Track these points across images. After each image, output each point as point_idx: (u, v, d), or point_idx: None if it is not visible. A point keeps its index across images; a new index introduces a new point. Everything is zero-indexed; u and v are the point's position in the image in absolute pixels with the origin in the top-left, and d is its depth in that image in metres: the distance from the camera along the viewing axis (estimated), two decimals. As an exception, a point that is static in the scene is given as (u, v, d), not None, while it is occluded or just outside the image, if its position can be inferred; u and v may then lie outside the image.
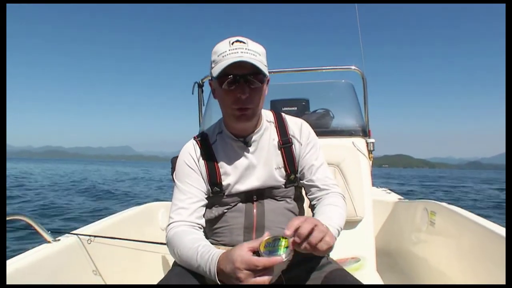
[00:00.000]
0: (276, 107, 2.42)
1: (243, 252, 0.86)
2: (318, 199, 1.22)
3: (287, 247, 0.85)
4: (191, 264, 0.99)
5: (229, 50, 1.05)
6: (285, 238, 0.87)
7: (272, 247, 0.85)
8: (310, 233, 0.87)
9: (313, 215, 1.19)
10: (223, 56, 1.05)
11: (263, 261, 0.83)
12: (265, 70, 1.07)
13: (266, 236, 0.89)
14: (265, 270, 0.84)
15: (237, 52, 1.04)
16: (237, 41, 1.07)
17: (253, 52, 1.05)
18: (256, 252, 0.87)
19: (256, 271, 0.84)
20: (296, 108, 2.46)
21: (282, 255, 0.84)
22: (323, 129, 2.29)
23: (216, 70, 1.05)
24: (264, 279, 0.84)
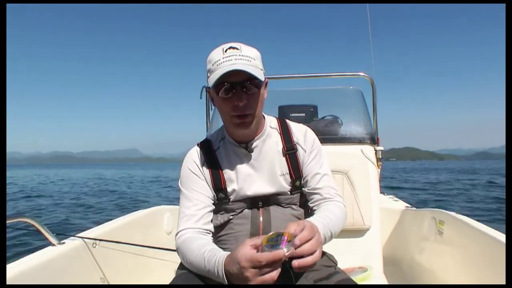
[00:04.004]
0: (284, 113, 2.41)
1: (246, 250, 0.85)
2: (318, 205, 1.21)
3: (290, 241, 0.84)
4: (202, 270, 0.99)
5: (223, 58, 1.04)
6: (289, 234, 0.85)
7: (275, 241, 0.84)
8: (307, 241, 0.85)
9: None
10: (217, 65, 1.04)
11: (266, 256, 0.82)
12: (260, 74, 1.06)
13: (270, 233, 0.88)
14: (271, 265, 0.82)
15: (231, 60, 1.03)
16: (230, 48, 1.06)
17: (247, 58, 1.05)
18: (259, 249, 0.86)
19: (261, 267, 0.82)
20: (304, 114, 2.45)
21: (284, 249, 0.82)
22: (331, 136, 2.28)
23: (211, 80, 1.05)
24: (272, 275, 0.83)
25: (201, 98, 2.54)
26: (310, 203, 1.24)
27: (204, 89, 2.58)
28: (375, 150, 2.25)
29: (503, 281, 1.36)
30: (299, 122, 1.33)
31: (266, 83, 1.16)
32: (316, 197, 1.21)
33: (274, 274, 0.83)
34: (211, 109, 2.65)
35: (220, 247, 1.17)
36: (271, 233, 0.87)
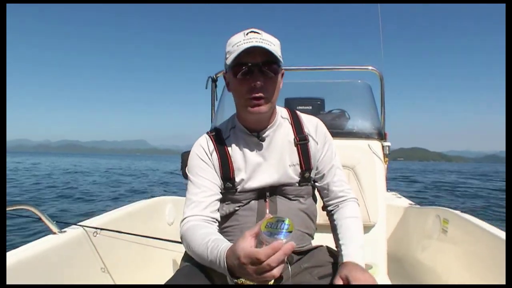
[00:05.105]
0: (291, 106, 2.37)
1: (245, 244, 0.82)
2: (335, 206, 1.23)
3: (290, 231, 0.80)
4: (204, 260, 0.97)
5: (244, 40, 1.04)
6: (289, 220, 0.82)
7: (274, 228, 0.80)
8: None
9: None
10: (237, 46, 1.04)
11: (265, 252, 0.78)
12: (279, 59, 1.06)
13: (268, 216, 0.84)
14: (272, 258, 0.78)
15: (252, 41, 1.03)
16: (251, 31, 1.06)
17: (268, 42, 1.04)
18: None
19: (261, 262, 0.78)
20: (311, 107, 2.42)
21: (283, 239, 0.78)
22: (338, 130, 2.24)
23: (230, 59, 1.05)
24: (273, 273, 0.79)
25: (206, 88, 2.52)
26: (326, 200, 1.26)
27: (210, 79, 2.56)
28: (382, 146, 2.22)
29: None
30: (306, 114, 1.30)
31: (283, 74, 1.16)
32: (331, 193, 1.23)
33: (276, 272, 0.79)
34: (217, 100, 2.63)
35: (225, 238, 1.15)
36: (271, 217, 0.84)
